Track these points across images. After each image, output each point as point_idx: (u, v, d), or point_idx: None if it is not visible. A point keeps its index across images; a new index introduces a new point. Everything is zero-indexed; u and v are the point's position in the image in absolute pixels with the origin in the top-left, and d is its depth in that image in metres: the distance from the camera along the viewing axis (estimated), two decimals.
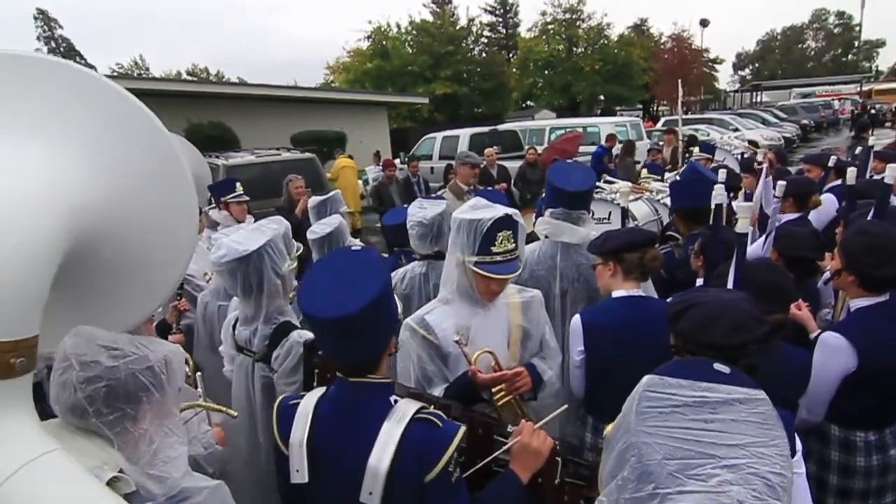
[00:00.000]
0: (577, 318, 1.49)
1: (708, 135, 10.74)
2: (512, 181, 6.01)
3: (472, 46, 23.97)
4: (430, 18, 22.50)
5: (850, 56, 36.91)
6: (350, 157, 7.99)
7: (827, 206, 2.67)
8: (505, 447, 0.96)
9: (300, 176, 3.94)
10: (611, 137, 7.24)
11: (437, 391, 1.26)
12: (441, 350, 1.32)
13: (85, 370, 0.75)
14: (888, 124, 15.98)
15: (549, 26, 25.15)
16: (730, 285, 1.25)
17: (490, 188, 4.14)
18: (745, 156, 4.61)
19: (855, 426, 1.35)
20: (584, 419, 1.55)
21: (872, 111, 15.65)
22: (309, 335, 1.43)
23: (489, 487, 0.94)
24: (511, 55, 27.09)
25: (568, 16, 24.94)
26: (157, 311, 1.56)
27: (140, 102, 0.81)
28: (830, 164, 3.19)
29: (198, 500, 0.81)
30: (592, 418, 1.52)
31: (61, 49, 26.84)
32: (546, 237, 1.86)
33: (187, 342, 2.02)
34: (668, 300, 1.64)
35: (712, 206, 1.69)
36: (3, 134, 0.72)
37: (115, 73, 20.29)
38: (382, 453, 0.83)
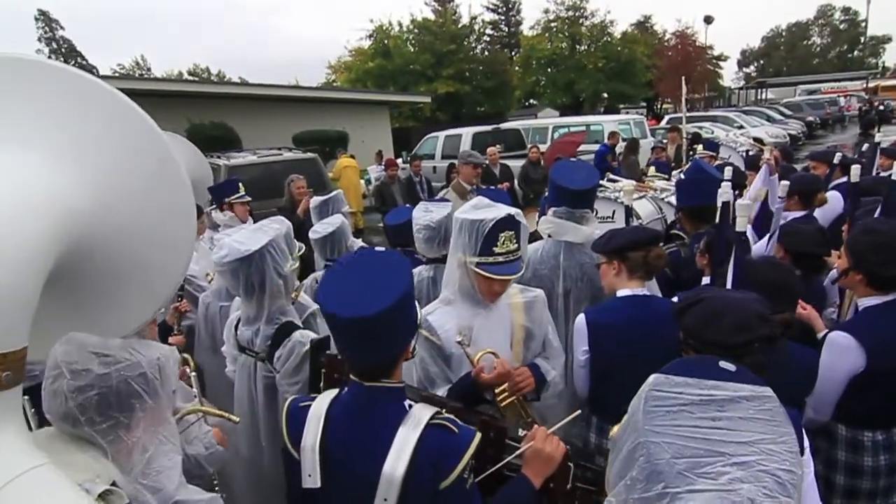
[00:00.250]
0: (581, 318, 1.48)
1: (713, 132, 10.66)
2: (515, 180, 5.98)
3: (474, 45, 23.92)
4: (431, 17, 22.48)
5: (855, 52, 36.53)
6: (352, 156, 8.01)
7: (832, 203, 2.64)
8: (518, 452, 0.96)
9: (302, 176, 3.94)
10: (613, 135, 7.19)
11: (440, 392, 1.25)
12: (443, 351, 1.31)
13: (76, 378, 0.73)
14: (895, 121, 15.79)
15: (552, 24, 25.04)
16: (729, 284, 1.24)
17: (493, 187, 4.12)
18: (751, 153, 4.57)
19: (862, 426, 1.33)
20: (588, 420, 1.54)
21: (881, 108, 15.47)
22: (311, 335, 1.43)
23: (501, 493, 0.93)
24: (514, 53, 27.00)
25: (571, 13, 24.82)
26: (160, 312, 1.56)
27: (133, 103, 0.79)
28: (836, 161, 3.16)
29: None
30: (597, 419, 1.51)
31: (62, 50, 26.90)
32: (549, 236, 1.85)
33: (188, 343, 2.03)
34: (674, 299, 1.64)
35: (718, 205, 1.67)
36: None
37: (117, 74, 20.46)
38: (398, 460, 0.82)
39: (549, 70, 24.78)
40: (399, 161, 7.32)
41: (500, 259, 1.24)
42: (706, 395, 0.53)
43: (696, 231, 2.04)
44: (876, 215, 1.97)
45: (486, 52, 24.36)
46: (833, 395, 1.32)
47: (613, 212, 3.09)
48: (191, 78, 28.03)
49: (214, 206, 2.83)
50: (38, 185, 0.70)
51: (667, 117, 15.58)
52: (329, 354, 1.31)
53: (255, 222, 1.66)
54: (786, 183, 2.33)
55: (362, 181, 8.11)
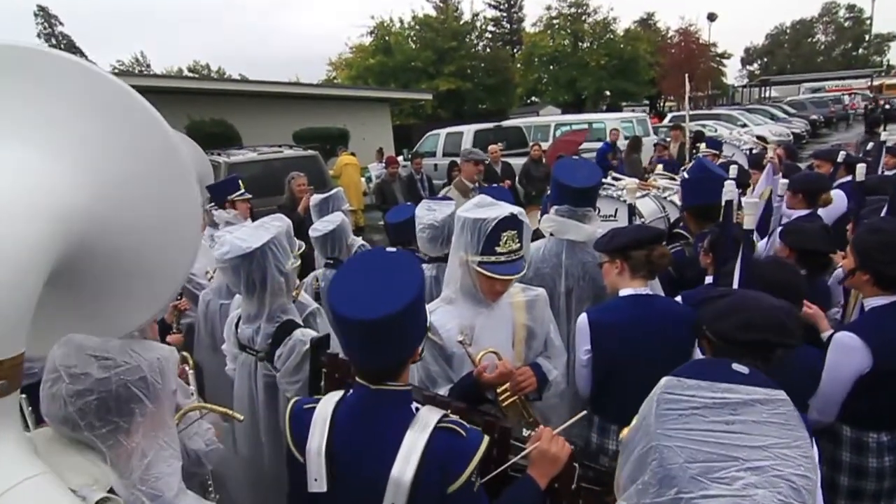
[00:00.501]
0: (583, 317, 1.47)
1: (716, 130, 10.61)
2: (517, 178, 5.96)
3: (475, 42, 23.79)
4: (433, 13, 22.32)
5: (860, 50, 36.28)
6: (353, 154, 7.98)
7: (836, 202, 2.62)
8: (523, 453, 0.95)
9: (302, 173, 3.92)
10: (613, 132, 7.15)
11: (442, 392, 1.24)
12: (445, 350, 1.31)
13: (75, 382, 0.72)
14: None
15: (555, 21, 24.89)
16: (735, 283, 1.23)
17: (495, 185, 4.10)
18: (754, 151, 4.54)
19: (867, 427, 1.33)
20: (589, 419, 1.54)
21: (887, 106, 15.36)
22: (312, 333, 1.43)
23: (507, 494, 0.93)
24: (515, 50, 26.89)
25: (573, 10, 24.66)
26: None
27: (140, 96, 0.77)
28: (839, 159, 3.14)
29: None
30: (599, 418, 1.50)
31: (62, 46, 26.75)
32: (551, 235, 1.84)
33: (188, 341, 2.02)
34: (677, 299, 1.63)
35: (723, 203, 1.65)
36: None
37: (116, 70, 20.29)
38: (406, 464, 0.81)
39: (551, 67, 24.66)
40: (400, 159, 7.29)
41: (503, 258, 1.23)
42: (719, 398, 0.52)
43: (700, 230, 2.03)
44: (882, 214, 1.95)
45: (488, 49, 24.24)
46: (839, 396, 1.31)
47: (616, 210, 3.07)
48: (191, 74, 28.02)
49: (213, 204, 2.81)
50: (37, 184, 0.67)
51: (670, 115, 15.52)
52: (330, 353, 1.30)
53: (254, 220, 1.65)
54: (784, 181, 2.31)
55: (363, 179, 8.08)
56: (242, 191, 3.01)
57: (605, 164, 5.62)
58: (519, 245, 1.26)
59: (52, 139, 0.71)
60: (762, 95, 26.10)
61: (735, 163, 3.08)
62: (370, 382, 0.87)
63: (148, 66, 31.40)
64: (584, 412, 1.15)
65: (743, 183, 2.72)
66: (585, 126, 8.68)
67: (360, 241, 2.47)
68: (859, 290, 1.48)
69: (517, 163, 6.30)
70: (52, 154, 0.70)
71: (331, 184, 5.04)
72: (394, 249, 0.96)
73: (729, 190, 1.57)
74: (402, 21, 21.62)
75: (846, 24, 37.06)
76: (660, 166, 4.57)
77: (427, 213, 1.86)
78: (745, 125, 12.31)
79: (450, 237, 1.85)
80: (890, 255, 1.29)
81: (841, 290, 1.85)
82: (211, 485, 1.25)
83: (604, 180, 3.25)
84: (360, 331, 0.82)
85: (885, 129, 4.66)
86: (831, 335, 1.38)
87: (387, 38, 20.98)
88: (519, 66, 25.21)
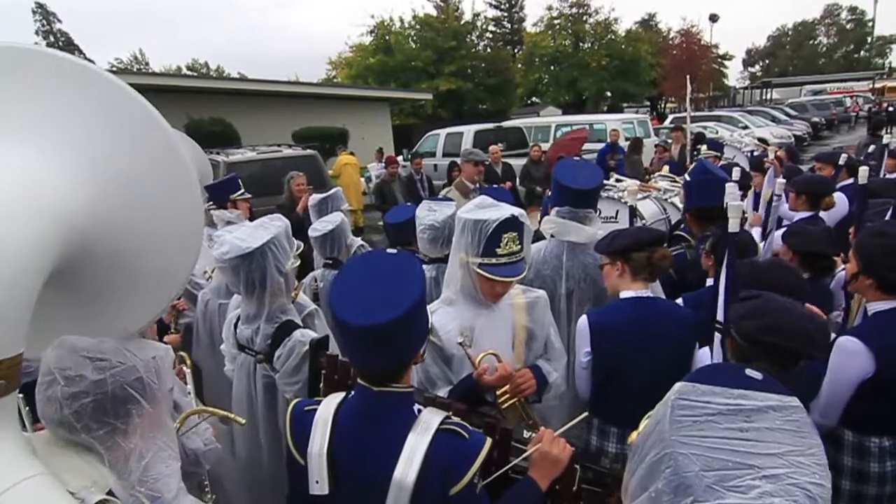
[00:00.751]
0: (583, 319, 1.46)
1: (717, 132, 10.59)
2: (517, 179, 5.95)
3: (476, 41, 23.76)
4: (433, 13, 22.27)
5: (862, 52, 36.27)
6: (352, 153, 7.97)
7: (838, 205, 2.61)
8: (525, 454, 0.95)
9: (302, 173, 3.91)
10: (613, 132, 7.13)
11: (441, 393, 1.24)
12: (445, 352, 1.30)
13: (70, 385, 0.72)
14: None
15: (556, 21, 24.87)
16: (721, 287, 1.21)
17: (495, 186, 4.10)
18: (755, 154, 4.53)
19: (869, 431, 1.32)
20: (589, 421, 1.53)
21: (890, 109, 15.33)
22: (312, 334, 1.42)
23: (508, 496, 0.93)
24: (516, 50, 26.87)
25: (574, 10, 24.64)
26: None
27: (140, 96, 0.76)
28: (841, 162, 3.13)
29: None
30: (598, 421, 1.49)
31: (60, 44, 26.68)
32: (552, 236, 1.83)
33: (186, 341, 2.01)
34: (678, 301, 1.62)
35: (725, 205, 1.64)
36: None
37: (115, 68, 20.26)
38: (408, 466, 0.81)
39: (552, 68, 24.64)
40: (400, 159, 7.29)
41: (503, 260, 1.23)
42: (733, 404, 0.52)
43: (702, 232, 2.02)
44: (888, 217, 1.94)
45: (489, 49, 24.21)
46: (841, 401, 1.31)
47: (617, 212, 3.06)
48: (189, 73, 27.97)
49: (212, 203, 2.80)
50: (37, 184, 0.67)
51: (671, 116, 15.50)
52: (329, 355, 1.30)
53: (252, 220, 1.64)
54: (782, 181, 2.30)
55: (362, 179, 8.07)
56: (243, 190, 3.00)
57: (604, 166, 5.61)
58: (520, 247, 1.25)
59: (53, 139, 0.71)
60: (763, 97, 26.05)
61: (736, 165, 3.08)
62: (372, 384, 0.87)
63: (146, 64, 31.29)
64: (586, 413, 1.15)
65: (745, 185, 2.71)
66: (585, 126, 8.66)
67: (359, 241, 2.46)
68: (862, 294, 1.47)
69: (518, 163, 6.29)
70: (52, 154, 0.70)
71: (330, 183, 5.03)
72: (394, 250, 0.95)
73: (731, 192, 1.56)
74: (402, 20, 21.61)
75: (848, 27, 37.06)
76: (666, 167, 4.54)
77: (427, 214, 1.85)
78: (746, 127, 12.30)
79: (450, 238, 1.85)
80: (893, 259, 1.28)
81: (842, 293, 1.84)
82: (207, 485, 1.24)
83: (606, 182, 3.25)
84: (362, 335, 0.82)
85: (887, 132, 4.64)
86: (834, 339, 1.37)
87: (387, 37, 20.95)
88: (519, 66, 25.18)
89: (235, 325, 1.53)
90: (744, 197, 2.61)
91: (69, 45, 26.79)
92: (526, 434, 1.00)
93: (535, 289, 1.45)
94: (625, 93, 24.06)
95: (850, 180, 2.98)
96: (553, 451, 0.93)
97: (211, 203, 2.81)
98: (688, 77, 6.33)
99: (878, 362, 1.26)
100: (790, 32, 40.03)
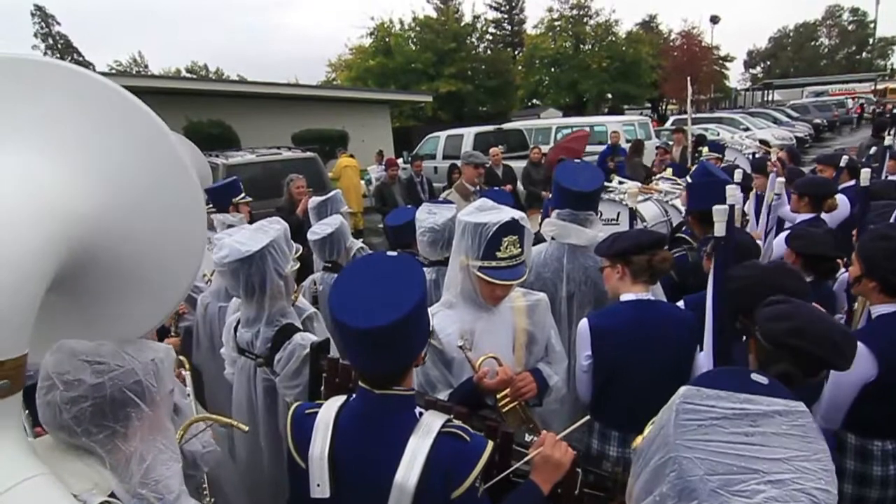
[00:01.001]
0: (584, 323, 1.45)
1: (718, 134, 10.58)
2: (518, 181, 5.94)
3: (476, 43, 23.80)
4: (433, 15, 22.33)
5: (864, 54, 36.23)
6: (352, 156, 7.98)
7: (840, 207, 2.60)
8: (527, 458, 0.94)
9: (301, 175, 3.92)
10: (614, 134, 7.12)
11: (441, 397, 1.23)
12: (445, 355, 1.30)
13: (69, 389, 0.72)
14: None
15: (556, 23, 24.94)
16: (709, 289, 1.20)
17: (496, 188, 4.09)
18: (757, 156, 4.52)
19: (872, 435, 1.31)
20: (590, 425, 1.52)
21: (894, 110, 15.26)
22: (312, 337, 1.42)
23: (510, 500, 0.92)
24: (517, 52, 26.91)
25: (575, 12, 24.71)
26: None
27: (140, 102, 0.77)
28: (842, 164, 3.12)
29: None
30: (599, 424, 1.48)
31: (59, 46, 26.69)
32: (552, 239, 1.83)
33: (186, 344, 2.01)
34: (679, 304, 1.61)
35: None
36: None
37: (114, 71, 20.32)
38: (410, 469, 0.81)
39: (552, 70, 24.69)
40: (400, 161, 7.29)
41: (503, 264, 1.22)
42: (739, 409, 0.52)
43: (704, 234, 2.01)
44: (892, 220, 1.93)
45: (489, 51, 24.26)
46: (844, 404, 1.30)
47: (618, 214, 3.05)
48: (189, 75, 27.91)
49: (212, 207, 2.80)
50: (42, 189, 0.68)
51: (672, 118, 15.49)
52: (330, 358, 1.29)
53: (252, 223, 1.64)
54: (781, 180, 2.29)
55: (362, 181, 8.08)
56: (244, 193, 3.01)
57: (604, 168, 5.60)
58: (520, 250, 1.25)
59: (58, 145, 0.72)
60: (765, 99, 26.04)
61: (738, 167, 3.07)
62: (373, 387, 0.87)
63: (146, 66, 31.35)
64: (587, 417, 1.14)
65: (747, 187, 2.71)
66: (586, 129, 8.67)
67: (358, 243, 2.46)
68: (866, 297, 1.46)
69: (518, 166, 6.29)
70: (57, 159, 0.71)
71: (329, 186, 5.03)
72: (394, 253, 0.95)
73: (731, 194, 1.55)
74: (402, 22, 21.65)
75: (850, 28, 37.02)
76: (669, 170, 4.53)
77: (428, 217, 1.85)
78: (747, 129, 12.27)
79: (450, 241, 1.85)
80: None
81: (845, 295, 1.83)
82: (206, 488, 1.24)
83: (609, 184, 3.25)
84: (363, 338, 0.82)
85: (890, 134, 4.61)
86: None
87: (387, 39, 20.98)
88: (520, 68, 25.22)
89: (235, 329, 1.53)
90: (745, 199, 2.60)
91: (68, 48, 26.86)
92: (527, 438, 1.00)
93: (536, 292, 1.44)
94: (625, 95, 24.07)
95: (852, 182, 2.97)
96: (555, 455, 0.93)
97: (211, 207, 2.81)
98: (689, 79, 6.32)
99: (881, 365, 1.25)
100: (791, 34, 40.01)
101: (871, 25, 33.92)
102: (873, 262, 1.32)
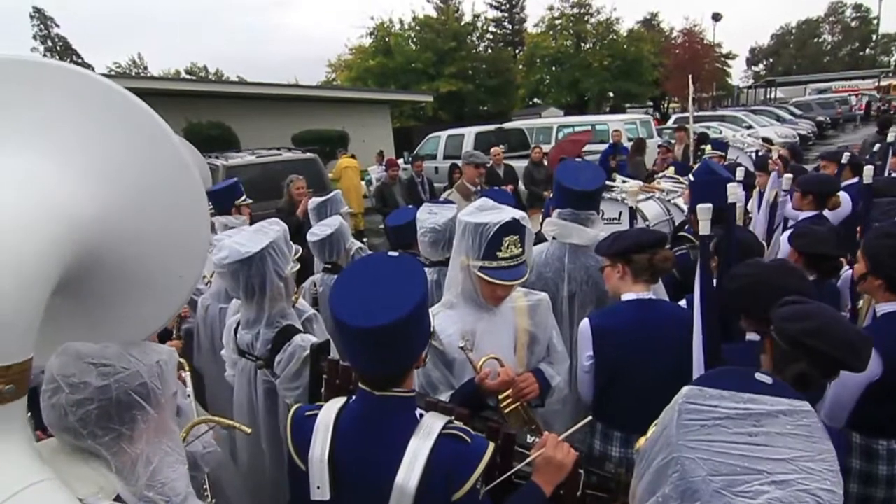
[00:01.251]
0: (585, 322, 1.45)
1: (721, 132, 10.52)
2: (520, 181, 5.93)
3: (477, 43, 23.74)
4: (433, 14, 22.27)
5: (867, 50, 36.01)
6: (352, 156, 7.97)
7: (842, 204, 2.58)
8: (528, 459, 0.94)
9: (301, 176, 3.91)
10: (615, 133, 7.09)
11: (443, 398, 1.23)
12: (446, 356, 1.29)
13: (74, 392, 0.72)
14: None
15: (557, 21, 24.85)
16: (696, 291, 1.19)
17: (497, 188, 4.08)
18: (760, 153, 4.49)
19: (877, 434, 1.30)
20: (592, 425, 1.51)
21: None
22: (312, 339, 1.41)
23: (512, 501, 0.92)
24: (517, 51, 26.84)
25: (576, 10, 24.61)
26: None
27: (145, 105, 0.78)
28: (844, 160, 3.09)
29: None
30: (601, 424, 1.47)
31: (58, 48, 26.72)
32: (554, 238, 1.82)
33: (187, 346, 2.01)
34: (681, 303, 1.60)
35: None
36: None
37: (113, 73, 20.26)
38: (410, 471, 0.80)
39: (553, 69, 24.61)
40: (400, 161, 7.29)
41: (504, 264, 1.22)
42: (742, 408, 0.51)
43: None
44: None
45: (490, 51, 24.19)
46: (848, 403, 1.29)
47: (620, 213, 3.04)
48: (188, 77, 27.85)
49: (212, 209, 2.81)
50: (47, 193, 0.68)
51: (674, 116, 15.43)
52: (330, 359, 1.29)
53: (252, 224, 1.64)
54: (789, 176, 2.27)
55: (363, 182, 8.08)
56: (244, 195, 3.01)
57: (606, 167, 5.58)
58: (521, 250, 1.24)
59: (60, 147, 0.72)
60: (767, 96, 25.91)
61: (740, 165, 3.05)
62: (374, 389, 0.86)
63: (145, 68, 31.39)
64: (590, 418, 1.13)
65: (749, 185, 2.69)
66: (588, 128, 8.63)
67: (358, 244, 2.45)
68: (871, 295, 1.45)
69: (519, 165, 6.27)
70: (60, 161, 0.71)
71: (330, 187, 5.03)
72: (395, 253, 0.95)
73: (733, 192, 1.54)
74: (402, 22, 21.60)
75: (853, 24, 36.79)
76: (671, 168, 4.51)
77: (428, 217, 1.85)
78: (750, 126, 12.20)
79: (451, 241, 1.84)
80: None
81: (849, 292, 1.82)
82: (207, 489, 1.24)
83: (611, 182, 3.23)
84: (363, 339, 0.81)
85: (893, 131, 4.57)
86: None
87: (387, 39, 20.94)
88: (521, 67, 25.16)
89: (235, 331, 1.53)
90: (748, 197, 2.59)
91: (67, 50, 26.90)
92: (529, 439, 1.00)
93: (537, 291, 1.43)
94: (627, 93, 23.97)
95: (854, 179, 2.95)
96: (557, 456, 0.92)
97: (212, 209, 2.81)
98: (690, 77, 6.30)
99: (886, 365, 1.24)
100: (794, 31, 39.80)
101: (875, 22, 33.72)
102: (878, 260, 1.30)
